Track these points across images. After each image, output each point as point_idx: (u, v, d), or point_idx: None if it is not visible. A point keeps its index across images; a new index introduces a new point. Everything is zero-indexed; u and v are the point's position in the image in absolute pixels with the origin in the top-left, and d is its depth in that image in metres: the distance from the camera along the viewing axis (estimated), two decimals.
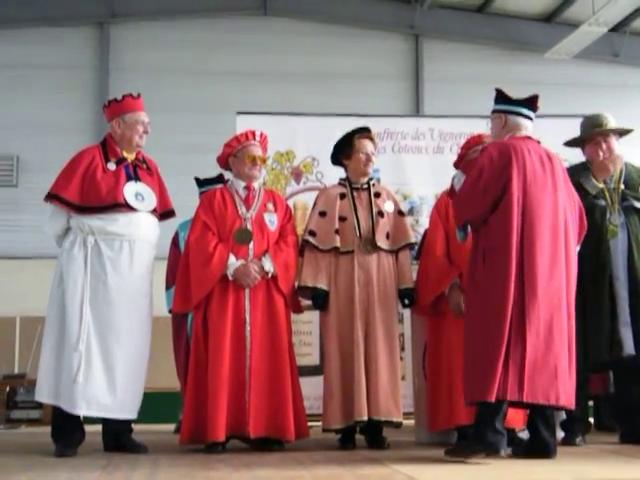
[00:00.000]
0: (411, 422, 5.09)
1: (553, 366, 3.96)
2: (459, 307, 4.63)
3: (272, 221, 4.75)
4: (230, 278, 4.56)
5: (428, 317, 4.92)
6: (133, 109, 4.70)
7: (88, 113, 11.65)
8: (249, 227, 4.68)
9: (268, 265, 4.61)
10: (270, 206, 4.79)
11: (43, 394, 4.50)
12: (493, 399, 3.85)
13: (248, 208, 4.74)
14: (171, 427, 6.31)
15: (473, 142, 4.97)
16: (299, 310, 4.94)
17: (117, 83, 11.46)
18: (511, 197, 4.03)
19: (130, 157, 4.70)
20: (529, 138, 4.30)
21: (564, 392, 3.99)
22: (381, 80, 12.08)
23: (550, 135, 6.39)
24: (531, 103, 4.37)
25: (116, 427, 4.57)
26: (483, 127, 5.77)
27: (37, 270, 9.70)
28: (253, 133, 4.88)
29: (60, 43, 11.80)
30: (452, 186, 4.33)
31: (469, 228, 4.30)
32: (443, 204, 4.90)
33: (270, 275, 4.62)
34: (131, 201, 4.55)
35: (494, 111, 4.42)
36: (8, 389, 7.67)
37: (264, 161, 4.98)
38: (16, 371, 9.28)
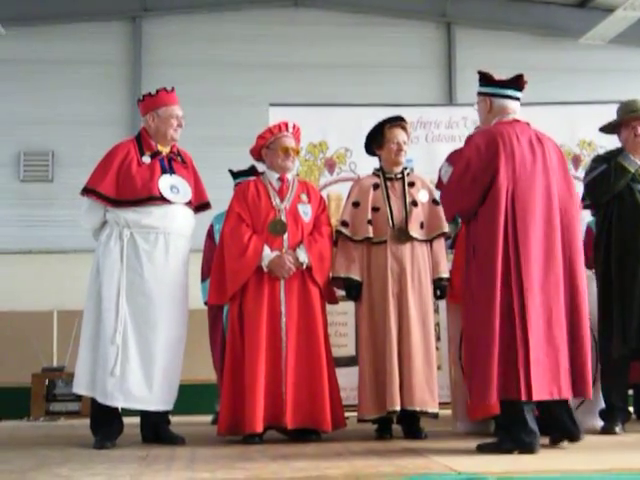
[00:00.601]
0: (448, 412, 5.07)
1: (555, 360, 3.85)
2: None
3: (306, 212, 4.74)
4: (265, 269, 4.57)
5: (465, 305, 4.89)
6: (167, 103, 4.72)
7: (122, 107, 11.71)
8: (283, 218, 4.68)
9: (303, 256, 4.61)
10: (304, 197, 4.79)
11: (81, 386, 4.55)
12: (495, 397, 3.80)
13: (282, 199, 4.75)
14: (208, 418, 6.35)
15: None
16: (334, 301, 4.93)
17: (150, 77, 11.51)
18: (499, 188, 3.90)
19: (165, 150, 4.72)
20: (517, 121, 4.13)
21: (566, 384, 3.88)
22: (413, 69, 12.00)
23: (586, 121, 6.36)
24: (517, 83, 4.19)
25: (154, 419, 4.60)
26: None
27: (74, 264, 9.80)
28: (286, 125, 4.88)
29: (93, 38, 11.87)
30: (439, 177, 4.23)
31: (460, 220, 4.20)
32: None
33: (305, 266, 4.62)
34: (166, 194, 4.57)
35: (478, 94, 4.26)
36: (47, 382, 7.76)
37: (297, 152, 4.98)
38: (55, 364, 9.38)
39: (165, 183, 4.60)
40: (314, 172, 6.31)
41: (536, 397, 3.81)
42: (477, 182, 3.95)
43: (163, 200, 4.57)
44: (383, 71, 11.80)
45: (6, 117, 11.53)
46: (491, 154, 3.95)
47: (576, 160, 6.25)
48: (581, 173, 5.87)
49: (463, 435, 4.79)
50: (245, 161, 5.70)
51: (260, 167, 5.23)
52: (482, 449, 3.90)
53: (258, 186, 4.81)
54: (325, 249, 4.72)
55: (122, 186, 4.55)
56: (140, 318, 4.49)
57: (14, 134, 11.54)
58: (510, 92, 4.17)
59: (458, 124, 6.49)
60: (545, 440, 3.97)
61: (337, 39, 12.01)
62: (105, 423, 4.50)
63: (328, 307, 4.87)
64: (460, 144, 6.47)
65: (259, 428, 4.40)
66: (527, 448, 3.79)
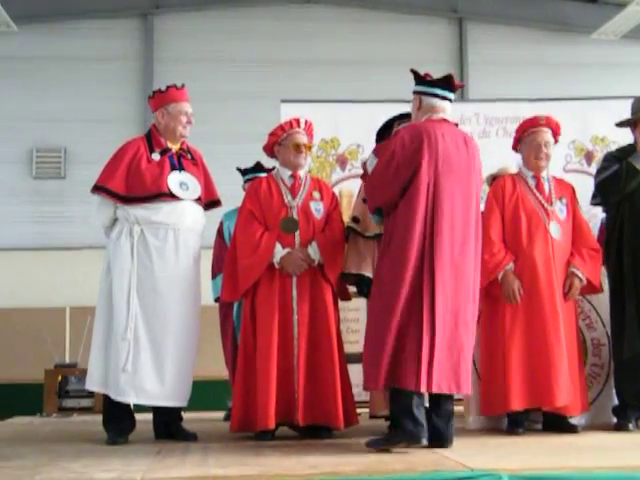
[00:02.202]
0: (460, 408, 5.06)
1: (457, 357, 3.90)
2: (512, 293, 4.60)
3: (318, 209, 4.73)
4: (276, 266, 4.57)
5: (483, 301, 4.88)
6: (177, 100, 4.73)
7: (134, 104, 11.73)
8: (295, 216, 4.68)
9: (314, 253, 4.61)
10: (316, 194, 4.78)
11: (93, 383, 4.56)
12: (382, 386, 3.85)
13: (294, 196, 4.74)
14: (220, 415, 6.36)
15: (526, 124, 4.93)
16: (347, 297, 4.93)
17: (162, 74, 11.52)
18: (419, 183, 3.93)
19: (174, 147, 4.73)
20: (445, 121, 4.16)
21: (466, 381, 3.93)
22: (425, 65, 11.77)
23: (600, 117, 6.34)
24: (447, 83, 4.22)
25: (166, 415, 4.62)
26: (529, 111, 5.70)
27: (86, 260, 9.83)
28: (298, 121, 4.87)
29: (105, 35, 11.89)
30: (365, 169, 4.23)
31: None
32: (499, 188, 4.85)
33: (316, 263, 4.61)
34: (175, 190, 4.58)
35: (413, 92, 4.30)
36: (60, 378, 7.78)
37: (309, 149, 4.97)
38: (67, 360, 9.40)
39: (174, 180, 4.61)
40: (326, 168, 6.31)
41: (436, 390, 3.85)
42: (399, 174, 3.99)
43: (172, 197, 4.58)
44: (395, 67, 11.71)
45: (18, 114, 11.56)
46: (414, 148, 3.98)
47: (589, 156, 6.22)
48: (593, 169, 5.85)
49: (476, 431, 4.79)
50: (256, 158, 5.70)
51: (268, 163, 5.22)
52: (372, 445, 3.88)
53: (270, 183, 4.80)
54: (337, 246, 4.71)
55: (132, 183, 4.56)
56: (151, 314, 4.50)
57: (26, 131, 11.58)
58: (439, 91, 4.21)
59: (470, 120, 6.47)
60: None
61: (349, 35, 11.99)
62: (117, 419, 4.52)
63: (340, 304, 4.87)
64: (473, 140, 6.52)
65: (271, 425, 4.40)
66: (414, 439, 3.79)
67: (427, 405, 4.42)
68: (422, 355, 3.79)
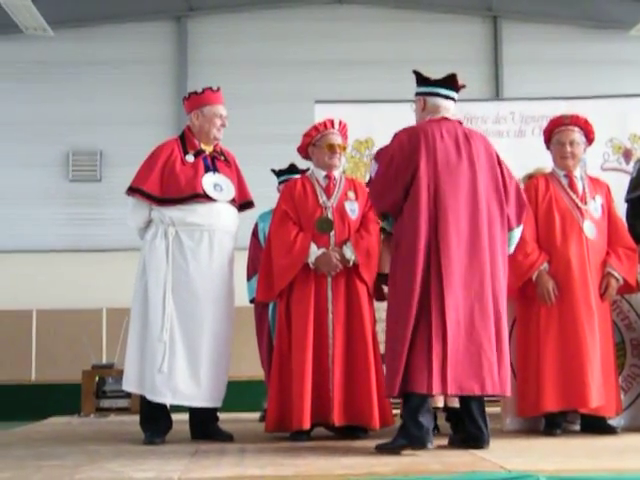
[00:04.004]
0: (497, 409, 5.02)
1: (477, 356, 3.81)
2: (547, 293, 4.57)
3: (353, 209, 4.73)
4: (311, 266, 4.57)
5: (518, 301, 4.84)
6: (212, 102, 4.74)
7: (168, 107, 11.82)
8: (330, 216, 4.67)
9: (349, 253, 4.59)
10: (351, 194, 4.77)
11: (130, 383, 4.60)
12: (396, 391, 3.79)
13: (329, 197, 4.73)
14: (256, 415, 6.37)
15: (552, 124, 4.89)
16: (382, 298, 4.90)
17: (195, 76, 11.61)
18: (419, 183, 3.88)
19: (208, 149, 4.75)
20: (445, 119, 4.11)
21: (491, 380, 3.83)
22: (459, 64, 11.80)
23: (636, 114, 6.27)
24: (450, 83, 4.18)
25: (202, 416, 4.63)
26: (565, 109, 5.64)
27: (122, 262, 9.91)
28: (332, 122, 4.86)
29: (139, 39, 12.00)
30: (370, 175, 4.19)
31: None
32: (532, 188, 4.80)
33: (351, 263, 4.60)
34: (209, 191, 4.60)
35: (415, 94, 4.25)
36: (97, 379, 7.85)
37: (344, 149, 4.96)
38: (104, 361, 9.49)
39: (209, 181, 4.63)
40: (360, 169, 6.30)
41: (455, 391, 3.79)
42: (399, 177, 3.95)
43: (207, 198, 4.60)
44: (429, 66, 11.63)
45: (54, 118, 11.71)
46: (412, 149, 3.94)
47: (627, 154, 6.15)
48: (631, 167, 5.79)
49: (513, 432, 4.75)
50: (291, 159, 5.71)
51: (302, 164, 5.22)
52: (380, 449, 3.84)
53: (305, 184, 4.80)
54: (372, 246, 4.69)
55: (166, 184, 4.59)
56: (186, 315, 4.52)
57: (62, 134, 11.72)
58: (443, 91, 4.17)
59: (506, 119, 6.44)
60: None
61: (381, 35, 11.99)
62: (154, 420, 4.55)
63: (376, 304, 4.85)
64: (508, 139, 6.49)
65: (307, 425, 4.40)
66: (418, 443, 3.75)
67: (441, 406, 4.46)
68: (433, 357, 3.74)
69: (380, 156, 4.09)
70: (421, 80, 4.24)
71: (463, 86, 4.23)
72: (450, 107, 4.19)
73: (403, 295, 3.86)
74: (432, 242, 3.85)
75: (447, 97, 4.18)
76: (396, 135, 4.10)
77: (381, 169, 4.03)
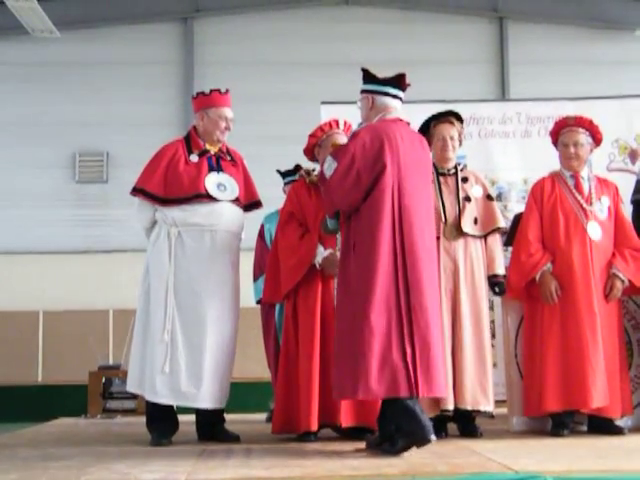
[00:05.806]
0: (504, 410, 5.02)
1: (428, 356, 3.78)
2: (550, 294, 4.57)
3: None
4: (318, 267, 4.56)
5: (524, 301, 4.84)
6: (218, 104, 4.73)
7: (174, 108, 11.83)
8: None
9: None
10: None
11: (132, 384, 4.60)
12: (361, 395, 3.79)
13: None
14: (262, 416, 6.37)
15: (558, 126, 4.90)
16: None
17: (202, 77, 11.62)
18: (384, 185, 3.86)
19: (213, 149, 4.74)
20: (400, 120, 4.09)
21: (437, 383, 3.81)
22: (466, 65, 11.92)
23: None
24: (398, 82, 4.14)
25: (209, 417, 4.63)
26: (571, 110, 5.64)
27: (129, 263, 9.92)
28: (337, 122, 4.86)
29: (146, 40, 12.01)
30: (322, 172, 4.12)
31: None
32: (539, 188, 4.81)
33: None
34: (212, 191, 4.58)
35: (361, 91, 4.22)
36: (104, 380, 7.85)
37: None
38: (111, 362, 9.49)
39: (212, 181, 4.62)
40: None
41: (436, 393, 3.83)
42: (362, 178, 3.91)
43: (209, 198, 4.59)
44: (435, 67, 11.73)
45: (61, 119, 11.73)
46: (376, 151, 3.92)
47: (633, 154, 6.12)
48: (637, 168, 5.78)
49: (520, 433, 4.74)
50: (297, 159, 5.70)
51: (308, 165, 5.21)
52: (382, 452, 3.82)
53: (310, 185, 4.80)
54: None
55: (170, 185, 4.58)
56: (188, 316, 4.51)
57: (69, 136, 11.74)
58: (392, 90, 4.14)
59: (512, 119, 6.43)
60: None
61: (388, 36, 11.98)
62: (161, 421, 4.54)
63: None
64: (514, 140, 6.48)
65: (314, 426, 4.40)
66: (422, 439, 3.73)
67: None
68: (408, 360, 3.73)
69: (339, 155, 4.01)
70: (369, 78, 4.19)
71: (409, 85, 4.19)
72: (398, 107, 4.16)
73: (361, 295, 3.80)
74: (397, 242, 3.84)
75: (395, 96, 4.15)
76: (356, 134, 4.05)
77: (340, 169, 3.94)
